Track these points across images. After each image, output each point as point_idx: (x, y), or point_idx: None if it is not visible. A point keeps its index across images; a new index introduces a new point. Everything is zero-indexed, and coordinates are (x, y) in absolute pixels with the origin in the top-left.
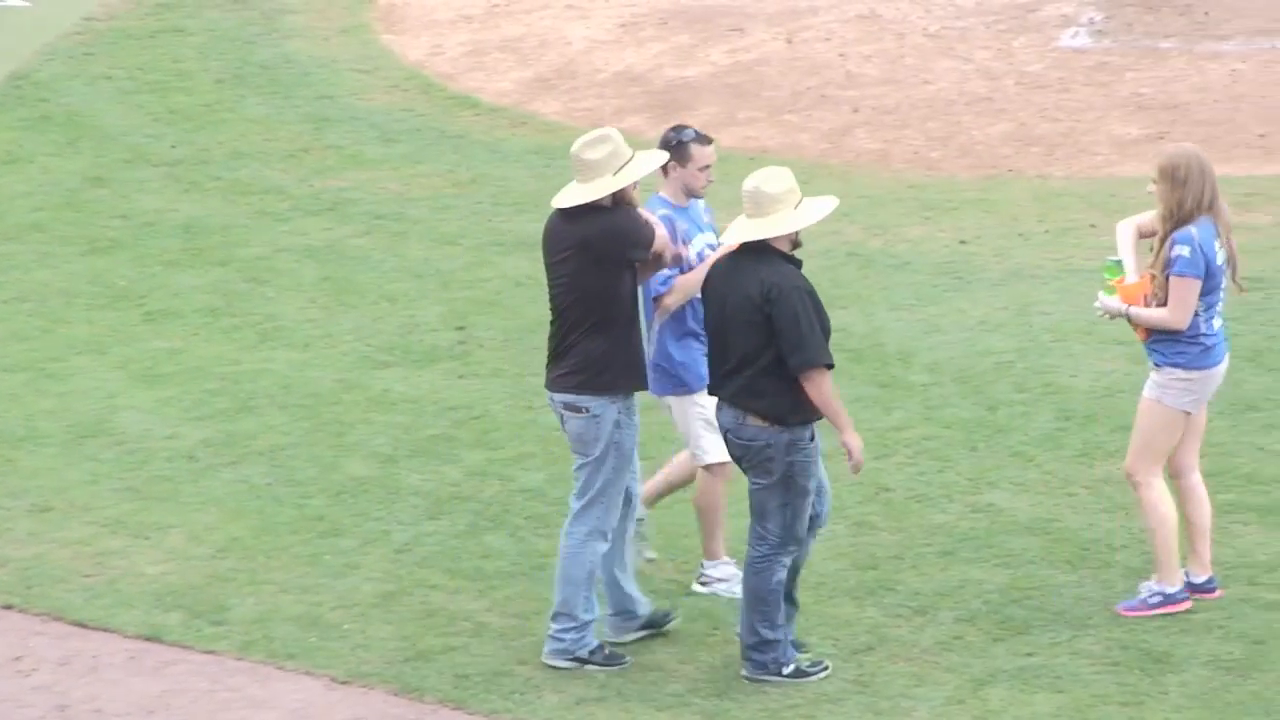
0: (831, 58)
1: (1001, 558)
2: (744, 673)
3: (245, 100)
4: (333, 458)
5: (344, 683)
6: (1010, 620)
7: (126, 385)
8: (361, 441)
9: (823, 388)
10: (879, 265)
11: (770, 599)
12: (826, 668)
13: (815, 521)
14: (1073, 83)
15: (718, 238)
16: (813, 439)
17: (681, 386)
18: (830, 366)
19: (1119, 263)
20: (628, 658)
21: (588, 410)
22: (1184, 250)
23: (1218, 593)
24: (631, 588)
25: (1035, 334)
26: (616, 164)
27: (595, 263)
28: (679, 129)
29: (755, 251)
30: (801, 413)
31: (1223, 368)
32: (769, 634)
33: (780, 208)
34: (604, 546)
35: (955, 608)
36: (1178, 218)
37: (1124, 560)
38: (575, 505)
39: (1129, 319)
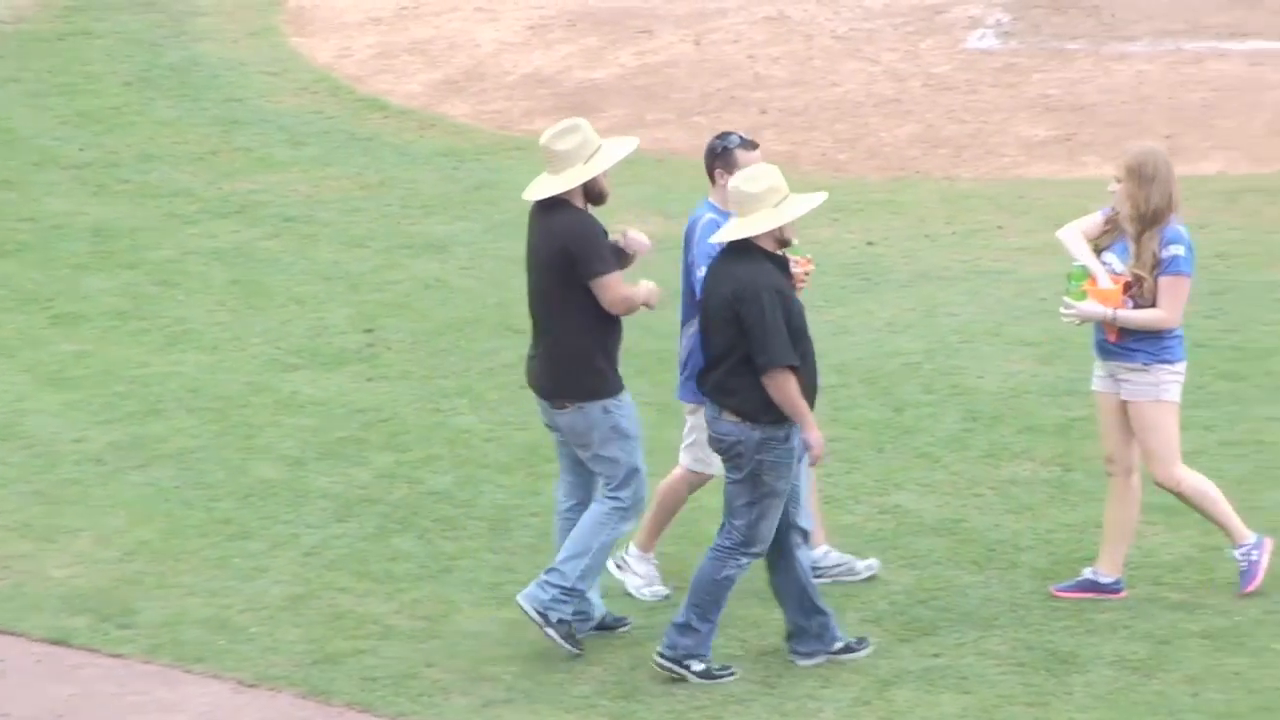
0: (740, 59)
1: (908, 559)
2: (656, 651)
3: (154, 103)
4: (241, 461)
5: (252, 685)
6: (916, 621)
7: (34, 388)
8: (270, 444)
9: (784, 387)
10: None
11: (714, 591)
12: (734, 672)
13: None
14: (980, 84)
15: None
16: (788, 439)
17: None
18: (795, 367)
19: (1084, 268)
20: (580, 650)
21: (573, 404)
22: (1179, 250)
23: (1123, 594)
24: (590, 592)
25: (943, 335)
26: (586, 153)
27: (562, 257)
28: (724, 136)
29: (738, 251)
30: (773, 411)
31: None
32: (697, 624)
33: (760, 206)
34: (626, 526)
35: (862, 609)
36: (1149, 216)
37: (1030, 561)
38: (605, 489)
39: (1112, 322)
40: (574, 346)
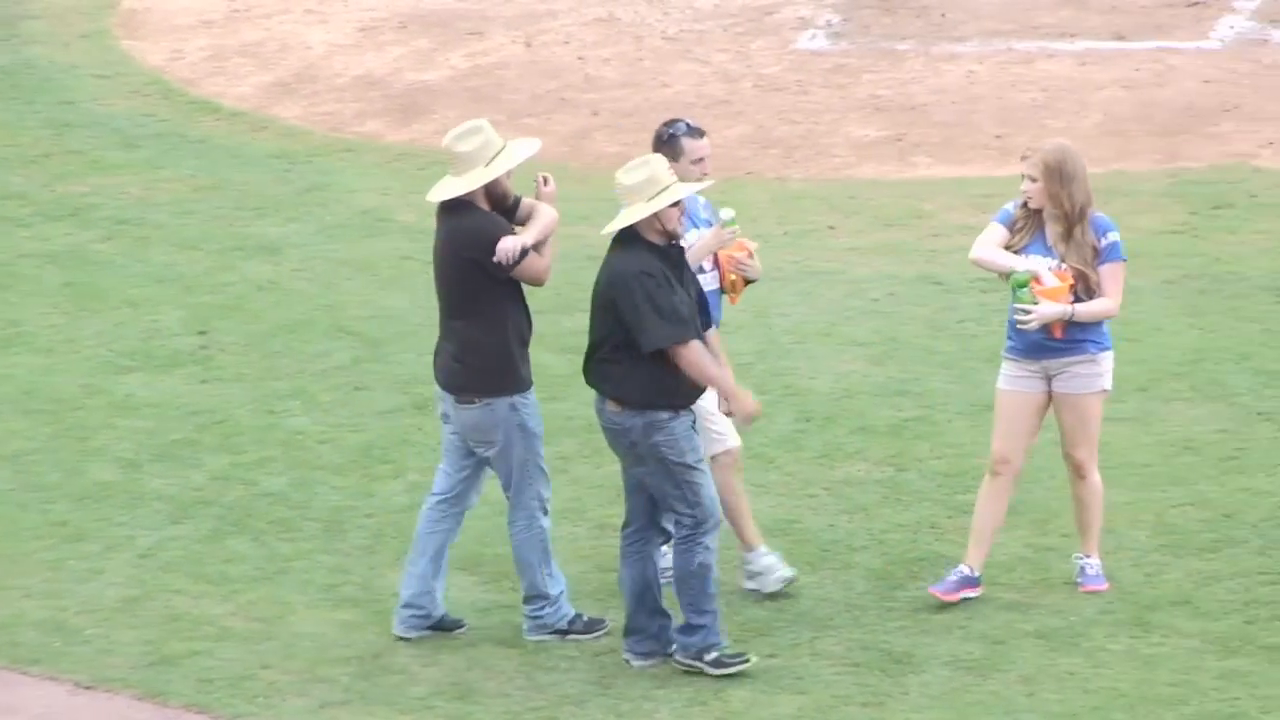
0: (570, 61)
1: (743, 559)
2: (674, 656)
3: None
4: (76, 463)
5: (88, 688)
6: (752, 621)
7: None
8: (105, 446)
9: (687, 360)
10: None
11: (696, 583)
12: (747, 659)
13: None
14: (810, 85)
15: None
16: (675, 416)
17: None
18: (684, 340)
19: (1029, 272)
20: (607, 623)
21: (480, 400)
22: (1115, 236)
23: (980, 588)
24: (436, 586)
25: (775, 336)
26: (488, 154)
27: (460, 259)
28: (670, 124)
29: (620, 241)
30: (647, 395)
31: None
32: (693, 618)
33: (636, 198)
34: (548, 520)
35: None
36: (1075, 213)
37: (864, 561)
38: (508, 496)
39: (1071, 318)
40: (482, 342)
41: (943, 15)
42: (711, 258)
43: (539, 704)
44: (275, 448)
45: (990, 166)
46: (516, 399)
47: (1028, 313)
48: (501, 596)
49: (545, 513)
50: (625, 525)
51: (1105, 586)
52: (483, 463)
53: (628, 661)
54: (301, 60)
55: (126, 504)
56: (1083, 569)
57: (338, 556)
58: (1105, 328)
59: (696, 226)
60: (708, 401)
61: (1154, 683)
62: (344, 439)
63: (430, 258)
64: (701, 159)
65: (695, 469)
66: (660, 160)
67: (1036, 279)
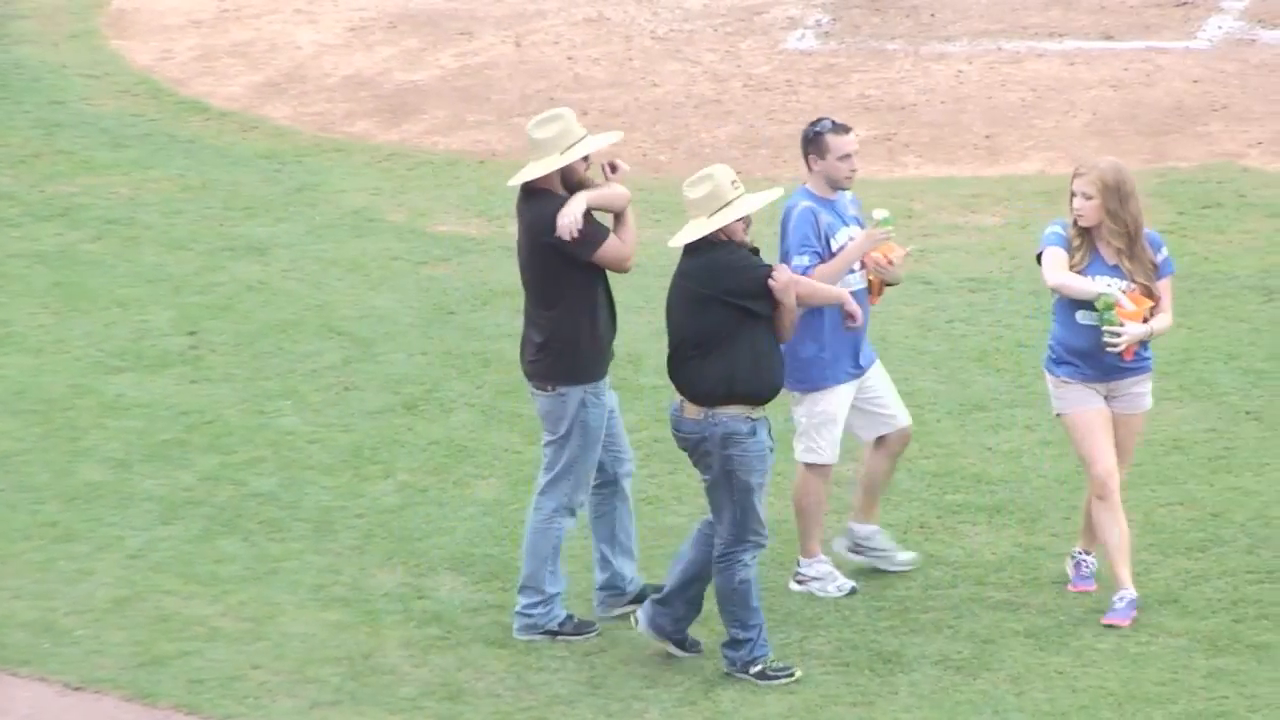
0: (560, 61)
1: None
2: (723, 668)
3: None
4: (66, 463)
5: (77, 689)
6: None
7: None
8: (95, 447)
9: (800, 293)
10: None
11: (734, 598)
12: (793, 673)
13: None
14: (800, 85)
15: (863, 230)
16: (753, 433)
17: (805, 383)
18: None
19: (1111, 295)
20: (597, 625)
21: (553, 388)
22: (1166, 251)
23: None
24: (621, 564)
25: None
26: (565, 143)
27: (539, 246)
28: (819, 122)
29: (697, 248)
30: (731, 396)
31: None
32: (738, 633)
33: (699, 213)
34: (571, 522)
35: None
36: (1135, 230)
37: (855, 561)
38: (542, 480)
39: (1149, 337)
40: (558, 331)
41: (931, 15)
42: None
43: (529, 704)
44: (265, 448)
45: (979, 166)
46: (589, 395)
47: (1117, 335)
48: (491, 596)
49: (571, 515)
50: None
51: (1093, 587)
52: (614, 435)
53: (635, 620)
54: (291, 60)
55: (116, 504)
56: (1079, 564)
57: (328, 557)
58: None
59: (846, 225)
60: (875, 381)
61: (1142, 681)
62: (333, 439)
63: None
64: (848, 155)
65: (756, 491)
66: (724, 172)
67: (1118, 304)
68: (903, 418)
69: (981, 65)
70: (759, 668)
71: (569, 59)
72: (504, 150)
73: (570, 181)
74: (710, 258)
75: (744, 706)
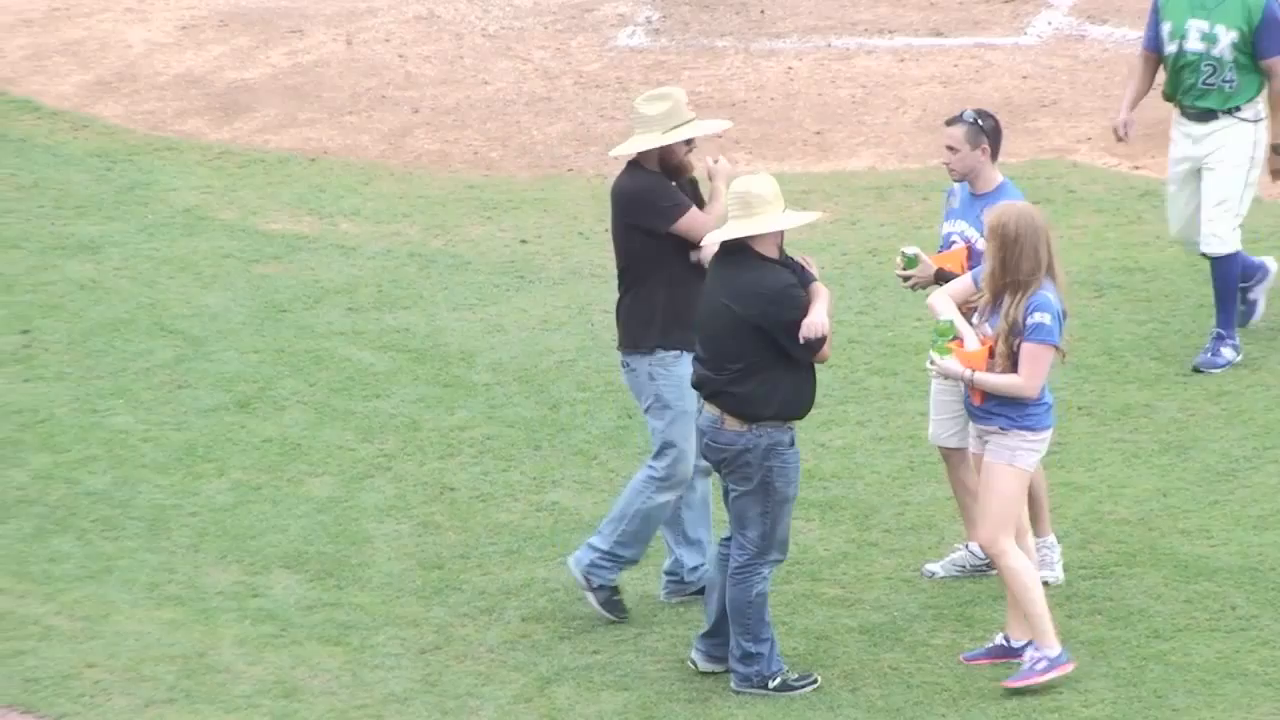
0: (391, 58)
1: (566, 556)
2: (731, 685)
3: None
4: None
5: None
6: (576, 618)
7: None
8: None
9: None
10: (440, 265)
11: (750, 611)
12: (815, 681)
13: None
14: (630, 82)
15: (969, 227)
16: (793, 444)
17: None
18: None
19: (951, 323)
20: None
21: (627, 364)
22: (1044, 318)
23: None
24: (683, 553)
25: (596, 332)
26: (669, 123)
27: (621, 222)
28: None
29: (735, 261)
30: (777, 411)
31: None
32: (750, 647)
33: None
34: (662, 496)
35: (521, 607)
36: (1009, 279)
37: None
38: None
39: (970, 383)
40: (634, 299)
41: (761, 12)
42: None
43: (364, 701)
44: (98, 446)
45: (809, 163)
46: (655, 367)
47: (933, 361)
48: (325, 594)
49: (660, 489)
50: (730, 536)
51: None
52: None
53: (693, 663)
54: (122, 59)
55: None
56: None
57: (162, 555)
58: (1034, 409)
59: (950, 218)
60: (944, 393)
61: (976, 677)
62: (167, 437)
63: None
64: (946, 147)
65: (787, 504)
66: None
67: (959, 339)
68: None
69: (811, 62)
70: (779, 680)
71: (400, 57)
72: (336, 148)
73: (670, 163)
74: (756, 279)
75: (579, 703)
